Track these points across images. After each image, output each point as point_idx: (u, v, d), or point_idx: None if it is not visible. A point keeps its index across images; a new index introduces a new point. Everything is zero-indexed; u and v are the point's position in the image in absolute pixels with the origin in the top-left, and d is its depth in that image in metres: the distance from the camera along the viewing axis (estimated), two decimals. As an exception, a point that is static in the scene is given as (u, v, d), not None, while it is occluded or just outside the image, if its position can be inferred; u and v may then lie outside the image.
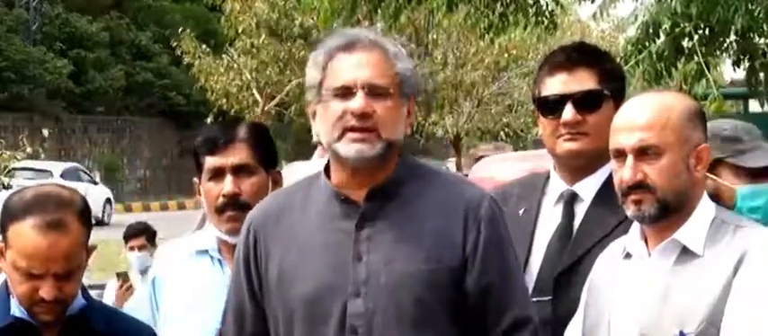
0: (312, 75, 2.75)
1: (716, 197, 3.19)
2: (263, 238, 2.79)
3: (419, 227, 2.69)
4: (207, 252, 3.30)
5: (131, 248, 8.20)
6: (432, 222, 2.70)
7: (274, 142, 3.42)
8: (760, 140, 3.43)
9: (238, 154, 3.24)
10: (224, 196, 3.21)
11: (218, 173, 3.25)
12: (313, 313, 2.69)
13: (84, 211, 2.82)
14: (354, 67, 2.70)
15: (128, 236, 8.27)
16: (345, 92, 2.68)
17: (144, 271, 8.18)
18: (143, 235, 8.23)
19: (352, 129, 2.67)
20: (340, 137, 2.68)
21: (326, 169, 2.79)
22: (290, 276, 2.73)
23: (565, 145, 3.13)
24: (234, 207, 3.19)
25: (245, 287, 2.81)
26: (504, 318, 2.69)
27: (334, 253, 2.70)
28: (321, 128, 2.73)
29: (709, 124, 3.39)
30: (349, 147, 2.67)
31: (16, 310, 2.79)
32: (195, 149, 3.33)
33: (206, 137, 3.31)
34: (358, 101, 2.66)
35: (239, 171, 3.24)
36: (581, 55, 3.17)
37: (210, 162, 3.26)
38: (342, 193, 2.73)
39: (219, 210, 3.22)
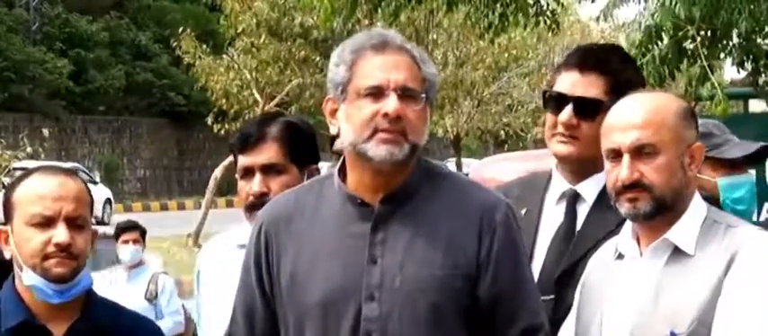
0: (338, 72, 2.69)
1: (699, 190, 3.21)
2: (275, 240, 2.77)
3: (434, 231, 2.67)
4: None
5: (125, 241, 8.13)
6: (447, 226, 2.68)
7: (313, 137, 3.41)
8: (729, 135, 3.60)
9: (268, 153, 3.26)
10: (253, 195, 3.23)
11: (248, 172, 3.27)
12: (326, 316, 2.66)
13: (85, 183, 2.84)
14: (387, 68, 2.65)
15: (121, 230, 8.21)
16: (377, 93, 2.64)
17: (134, 266, 8.15)
18: (136, 230, 8.20)
19: (384, 131, 2.63)
20: (370, 138, 2.63)
21: (340, 171, 2.75)
22: (303, 279, 2.70)
23: (555, 147, 3.13)
24: (262, 206, 3.16)
25: (256, 288, 2.79)
26: (515, 325, 2.68)
27: (347, 256, 2.67)
28: (345, 128, 2.68)
29: None
30: (378, 148, 2.62)
31: (26, 314, 2.75)
32: (231, 146, 3.35)
33: (240, 135, 3.34)
34: (392, 103, 2.62)
35: (269, 170, 3.25)
36: (598, 59, 3.14)
37: (242, 160, 3.29)
38: (357, 196, 2.70)
39: (249, 209, 3.24)
